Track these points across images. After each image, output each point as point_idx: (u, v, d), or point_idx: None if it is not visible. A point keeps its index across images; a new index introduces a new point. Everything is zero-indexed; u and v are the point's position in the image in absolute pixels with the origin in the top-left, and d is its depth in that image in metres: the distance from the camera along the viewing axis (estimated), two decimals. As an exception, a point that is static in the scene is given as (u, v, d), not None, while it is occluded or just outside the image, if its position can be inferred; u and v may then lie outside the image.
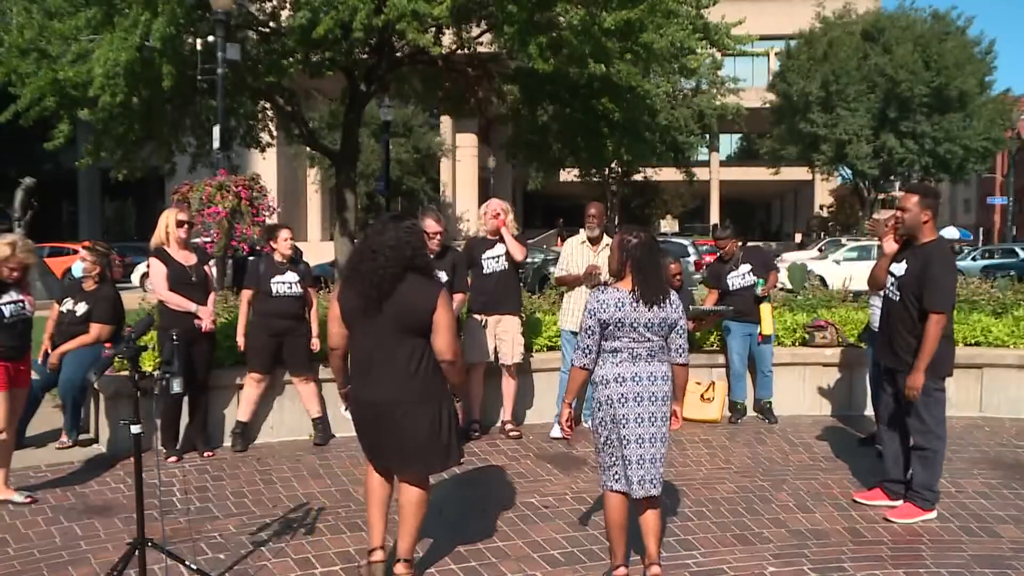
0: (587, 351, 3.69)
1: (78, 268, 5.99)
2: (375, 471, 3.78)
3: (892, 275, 4.73)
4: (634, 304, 3.62)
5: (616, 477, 3.72)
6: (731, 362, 6.80)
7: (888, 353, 4.72)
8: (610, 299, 3.64)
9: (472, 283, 6.26)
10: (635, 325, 3.62)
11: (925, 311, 4.44)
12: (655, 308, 3.63)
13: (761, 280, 6.69)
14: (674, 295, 3.76)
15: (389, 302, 3.50)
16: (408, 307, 3.52)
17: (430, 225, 5.58)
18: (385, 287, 3.49)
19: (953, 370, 4.96)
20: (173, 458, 5.56)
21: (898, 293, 4.63)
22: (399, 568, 3.71)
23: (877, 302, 5.39)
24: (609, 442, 3.72)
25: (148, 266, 5.74)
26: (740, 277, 6.79)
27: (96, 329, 5.89)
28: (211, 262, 5.94)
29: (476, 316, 6.18)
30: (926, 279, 4.45)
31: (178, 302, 5.54)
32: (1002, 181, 46.44)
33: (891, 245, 4.91)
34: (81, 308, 5.91)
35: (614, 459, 3.72)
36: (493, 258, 6.19)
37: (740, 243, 7.07)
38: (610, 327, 3.63)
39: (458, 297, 5.69)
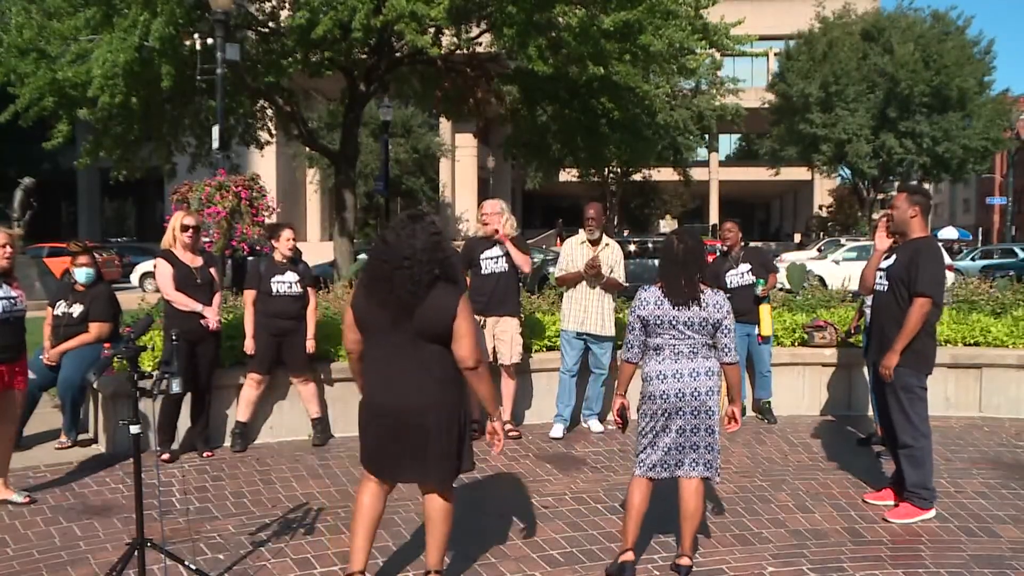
0: (629, 346, 3.89)
1: (81, 274, 5.96)
2: (371, 487, 3.58)
3: (881, 270, 4.78)
4: (668, 302, 3.76)
5: (642, 463, 3.84)
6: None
7: (878, 349, 4.73)
8: (650, 297, 3.80)
9: (470, 283, 6.24)
10: (674, 323, 3.75)
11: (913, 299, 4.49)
12: (695, 307, 3.73)
13: (761, 280, 6.70)
14: (715, 295, 3.80)
15: (418, 310, 3.39)
16: (432, 315, 3.40)
17: None
18: (420, 295, 3.36)
19: (947, 369, 4.95)
20: (166, 456, 5.54)
21: (886, 283, 4.68)
22: None
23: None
24: (644, 432, 3.84)
25: (155, 266, 5.78)
26: (739, 276, 6.79)
27: (96, 328, 5.89)
28: (214, 267, 5.93)
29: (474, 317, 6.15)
30: (914, 267, 4.50)
31: (184, 302, 5.56)
32: (1001, 181, 46.50)
33: (884, 242, 4.94)
34: (77, 310, 5.90)
35: (644, 446, 3.84)
36: (492, 259, 6.16)
37: (744, 242, 7.08)
38: (650, 324, 3.78)
39: None
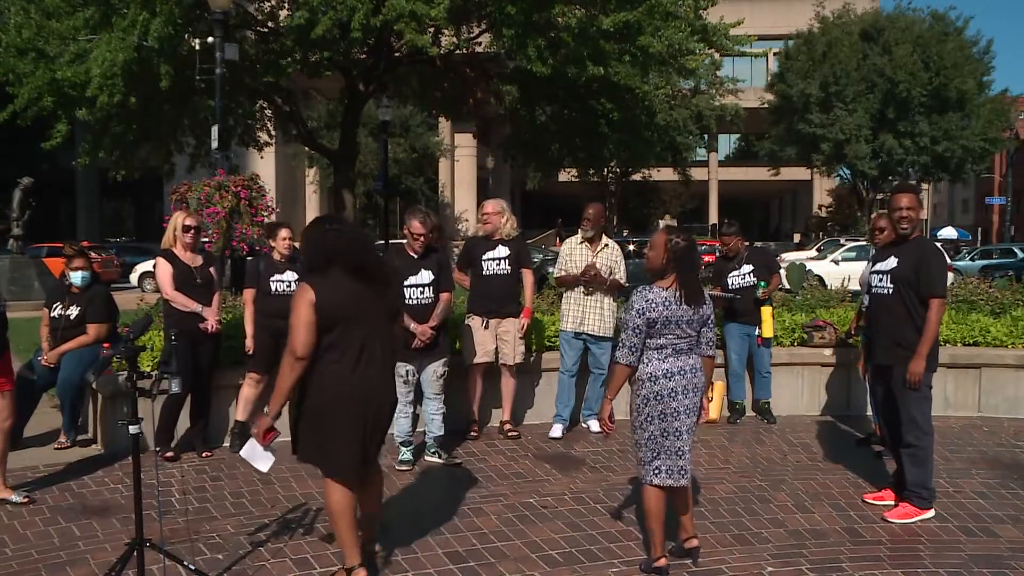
0: (634, 349, 3.81)
1: (76, 277, 5.95)
2: (349, 484, 3.62)
3: (880, 272, 4.76)
4: (679, 303, 3.78)
5: (656, 471, 3.84)
6: (729, 362, 6.80)
7: (884, 349, 4.72)
8: (658, 298, 3.78)
9: (472, 284, 6.23)
10: (680, 322, 3.79)
11: (923, 300, 4.50)
12: (695, 305, 3.82)
13: (763, 283, 6.69)
14: (705, 292, 3.97)
15: (390, 293, 3.78)
16: (395, 295, 3.88)
17: (415, 227, 5.40)
18: (391, 277, 3.78)
19: (946, 369, 4.97)
20: (170, 453, 5.53)
21: (891, 286, 4.66)
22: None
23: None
24: (653, 437, 3.83)
25: (155, 266, 5.77)
26: (741, 277, 6.78)
27: (94, 329, 5.88)
28: (213, 267, 5.93)
29: (476, 318, 6.15)
30: (924, 268, 4.51)
31: (183, 302, 5.55)
32: (1000, 181, 46.53)
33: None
34: (74, 311, 5.89)
35: (656, 453, 3.83)
36: (494, 260, 6.12)
37: (746, 243, 7.06)
38: (657, 325, 3.77)
39: (445, 296, 5.58)
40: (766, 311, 6.66)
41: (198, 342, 5.56)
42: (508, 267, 6.12)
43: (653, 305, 3.76)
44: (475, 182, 40.43)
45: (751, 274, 6.76)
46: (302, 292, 3.52)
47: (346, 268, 3.54)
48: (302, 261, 4.07)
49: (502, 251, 6.12)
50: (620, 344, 3.81)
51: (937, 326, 4.52)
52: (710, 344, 3.96)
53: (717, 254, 7.22)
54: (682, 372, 3.80)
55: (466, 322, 6.19)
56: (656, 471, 3.83)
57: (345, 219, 4.04)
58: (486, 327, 6.08)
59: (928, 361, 4.58)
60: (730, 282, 6.78)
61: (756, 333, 6.70)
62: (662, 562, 3.87)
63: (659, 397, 3.79)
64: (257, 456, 3.75)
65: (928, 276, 4.51)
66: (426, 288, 5.46)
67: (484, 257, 6.13)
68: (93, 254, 17.91)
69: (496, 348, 6.12)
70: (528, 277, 6.25)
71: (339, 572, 3.74)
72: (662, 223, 56.84)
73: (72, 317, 5.88)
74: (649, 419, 3.82)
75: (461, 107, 17.39)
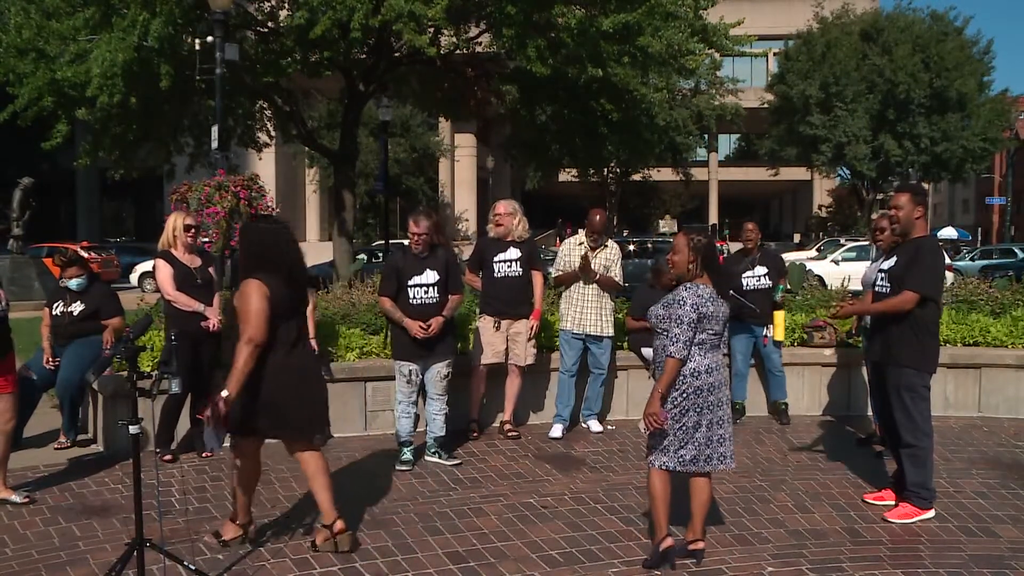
0: (688, 344, 3.89)
1: (72, 284, 5.94)
2: (253, 449, 4.28)
3: (882, 271, 4.78)
4: (719, 299, 3.94)
5: (681, 459, 3.91)
6: (734, 362, 6.79)
7: (878, 347, 4.73)
8: (706, 294, 3.90)
9: (484, 286, 6.21)
10: (719, 318, 3.93)
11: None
12: (724, 303, 3.99)
13: (780, 287, 6.70)
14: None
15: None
16: (306, 293, 4.41)
17: (411, 226, 5.42)
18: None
19: (946, 369, 4.95)
20: (168, 456, 5.53)
21: (888, 285, 4.68)
22: (331, 532, 4.13)
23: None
24: (685, 428, 3.89)
25: (154, 268, 5.75)
26: (755, 279, 6.76)
27: (117, 322, 5.90)
28: (212, 267, 5.93)
29: (488, 319, 6.13)
30: (914, 264, 4.50)
31: (186, 302, 5.54)
32: (1000, 181, 46.56)
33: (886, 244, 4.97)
34: (77, 308, 5.89)
35: (683, 442, 3.90)
36: (505, 262, 6.10)
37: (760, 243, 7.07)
38: (704, 320, 3.88)
39: (454, 298, 5.52)
40: (780, 314, 6.64)
41: (199, 342, 5.56)
42: (520, 269, 6.11)
43: (704, 301, 3.87)
44: (475, 182, 40.46)
45: (766, 276, 6.75)
46: (255, 286, 3.86)
47: (279, 267, 3.96)
48: (241, 260, 4.21)
49: (514, 253, 6.11)
50: (674, 339, 3.83)
51: (895, 308, 4.50)
52: (725, 342, 4.10)
53: (723, 255, 7.21)
54: (718, 367, 3.95)
55: (477, 323, 6.18)
56: (680, 459, 3.89)
57: (275, 218, 4.46)
58: (498, 328, 6.07)
59: (928, 362, 4.58)
60: (744, 283, 6.75)
61: (764, 334, 6.69)
62: (668, 541, 3.92)
63: (699, 392, 3.88)
64: (210, 437, 4.03)
65: (914, 270, 4.49)
66: (431, 288, 5.42)
67: (496, 259, 6.11)
68: (92, 254, 17.81)
69: (506, 349, 6.11)
70: (538, 279, 6.23)
71: (227, 525, 4.26)
72: (662, 223, 56.90)
73: (75, 313, 5.88)
74: (684, 411, 3.89)
75: (461, 107, 17.37)
